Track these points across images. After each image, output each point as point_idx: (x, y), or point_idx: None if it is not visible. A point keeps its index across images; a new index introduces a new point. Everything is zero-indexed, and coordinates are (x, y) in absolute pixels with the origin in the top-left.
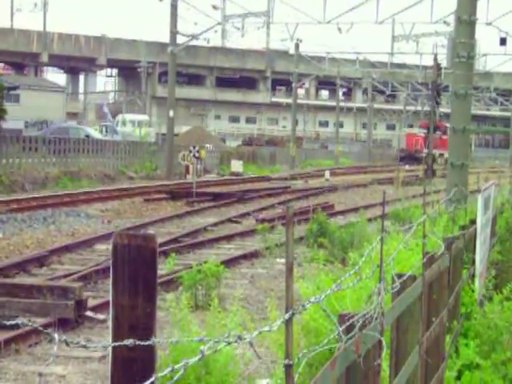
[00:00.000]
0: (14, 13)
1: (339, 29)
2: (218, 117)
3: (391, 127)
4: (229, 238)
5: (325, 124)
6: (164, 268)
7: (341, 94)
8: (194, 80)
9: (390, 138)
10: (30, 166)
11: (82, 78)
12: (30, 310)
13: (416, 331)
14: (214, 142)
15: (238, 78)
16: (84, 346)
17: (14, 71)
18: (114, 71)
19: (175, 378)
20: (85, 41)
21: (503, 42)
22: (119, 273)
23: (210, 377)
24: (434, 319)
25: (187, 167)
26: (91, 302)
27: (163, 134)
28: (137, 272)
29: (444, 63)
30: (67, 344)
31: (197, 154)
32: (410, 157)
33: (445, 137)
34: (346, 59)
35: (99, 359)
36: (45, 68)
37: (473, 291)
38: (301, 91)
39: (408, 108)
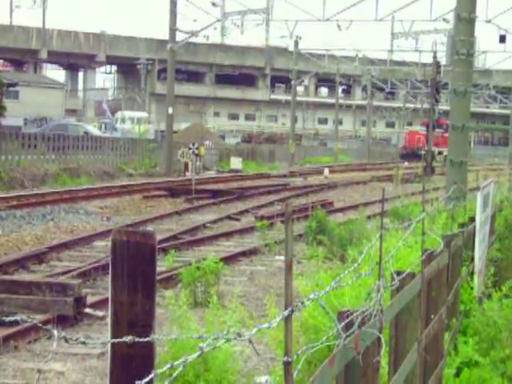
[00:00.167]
0: (14, 9)
1: (338, 26)
2: (217, 114)
3: (390, 125)
4: (228, 235)
5: (324, 121)
6: (163, 265)
7: (340, 91)
8: (194, 77)
9: (389, 135)
10: (29, 162)
11: (81, 74)
12: (29, 307)
13: (415, 328)
14: (213, 139)
15: (237, 75)
16: (83, 343)
17: (13, 68)
18: (114, 68)
19: (174, 375)
20: (84, 38)
21: (503, 39)
22: (118, 270)
23: (209, 374)
24: (432, 316)
25: (186, 164)
26: (90, 299)
27: (162, 131)
28: (136, 269)
29: (443, 61)
30: (66, 341)
31: (196, 151)
32: (412, 154)
33: (447, 134)
34: (346, 56)
35: (98, 356)
36: (44, 65)
37: (472, 288)
38: (300, 88)
39: (407, 105)
